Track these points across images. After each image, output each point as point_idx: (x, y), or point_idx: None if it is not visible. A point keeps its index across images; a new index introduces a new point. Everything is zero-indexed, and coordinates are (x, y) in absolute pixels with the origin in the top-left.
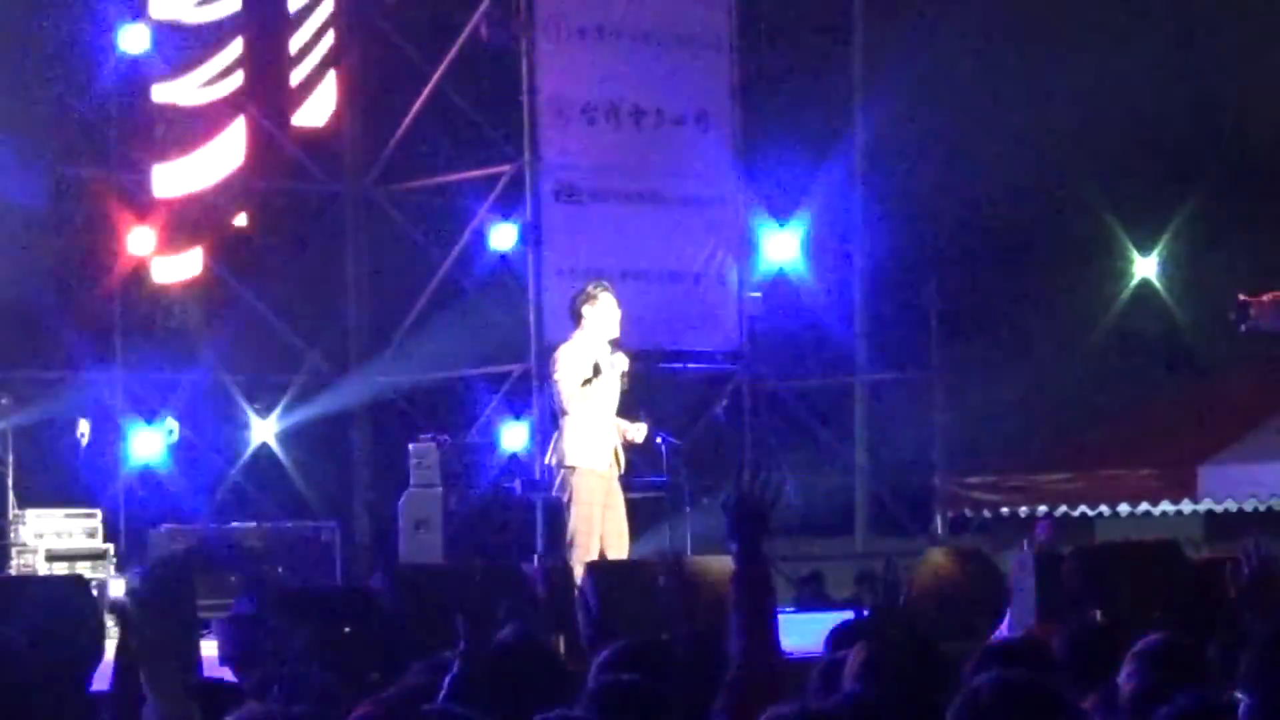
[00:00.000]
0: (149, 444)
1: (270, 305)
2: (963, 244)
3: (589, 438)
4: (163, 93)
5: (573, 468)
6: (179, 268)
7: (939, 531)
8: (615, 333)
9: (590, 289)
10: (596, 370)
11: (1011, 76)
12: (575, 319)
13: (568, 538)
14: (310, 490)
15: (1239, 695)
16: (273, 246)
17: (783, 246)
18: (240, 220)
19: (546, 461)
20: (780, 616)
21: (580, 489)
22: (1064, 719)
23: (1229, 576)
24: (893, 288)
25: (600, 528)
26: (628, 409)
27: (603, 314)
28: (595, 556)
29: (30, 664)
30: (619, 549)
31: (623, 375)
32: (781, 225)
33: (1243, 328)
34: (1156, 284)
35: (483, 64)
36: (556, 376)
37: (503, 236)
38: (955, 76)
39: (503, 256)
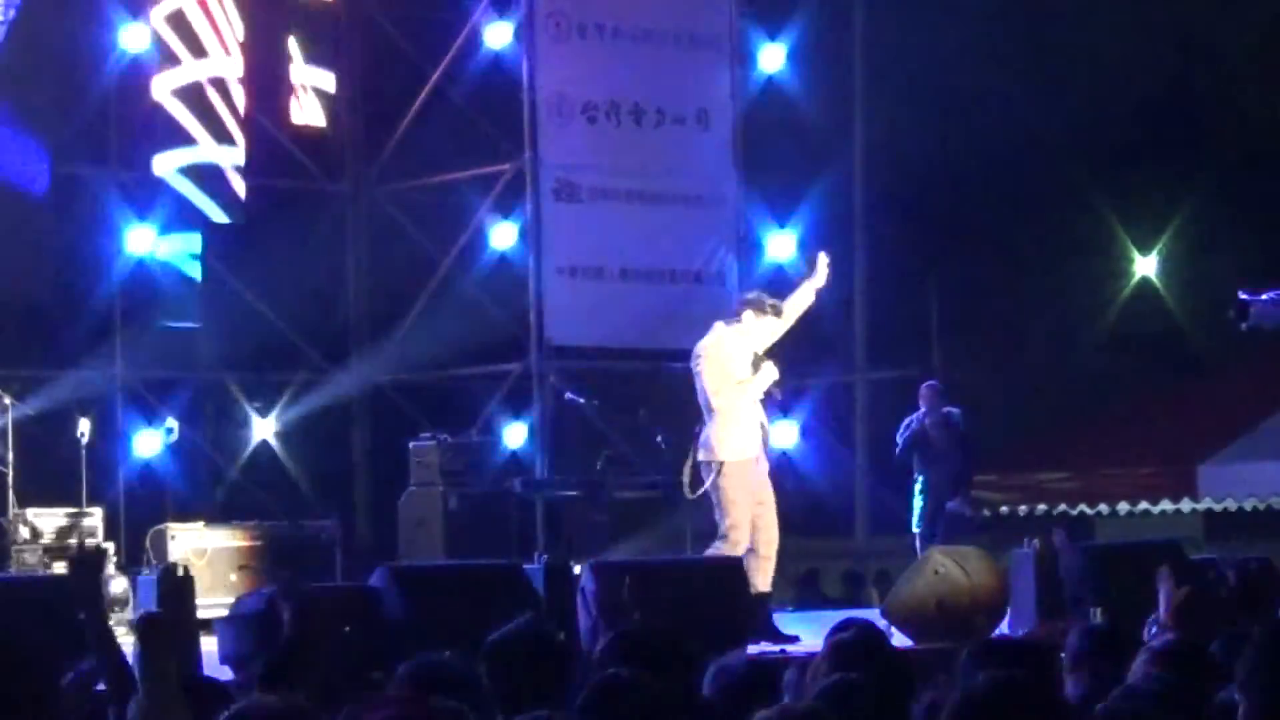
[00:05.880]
0: (149, 443)
1: (270, 304)
2: (962, 244)
3: (738, 430)
4: (163, 82)
5: (722, 462)
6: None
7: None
8: (759, 349)
9: (770, 302)
10: (755, 369)
11: (1011, 76)
12: (738, 314)
13: (721, 531)
14: (310, 489)
15: (1237, 697)
16: (273, 245)
17: (783, 246)
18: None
19: (699, 459)
20: (779, 615)
21: (733, 480)
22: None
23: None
24: (893, 288)
25: (752, 521)
26: (627, 408)
27: (761, 329)
28: (744, 550)
29: (27, 662)
30: (771, 542)
31: (774, 384)
32: (781, 225)
33: (1243, 326)
34: (1156, 283)
35: (483, 63)
36: (700, 369)
37: (502, 235)
38: (955, 75)
39: (502, 256)
